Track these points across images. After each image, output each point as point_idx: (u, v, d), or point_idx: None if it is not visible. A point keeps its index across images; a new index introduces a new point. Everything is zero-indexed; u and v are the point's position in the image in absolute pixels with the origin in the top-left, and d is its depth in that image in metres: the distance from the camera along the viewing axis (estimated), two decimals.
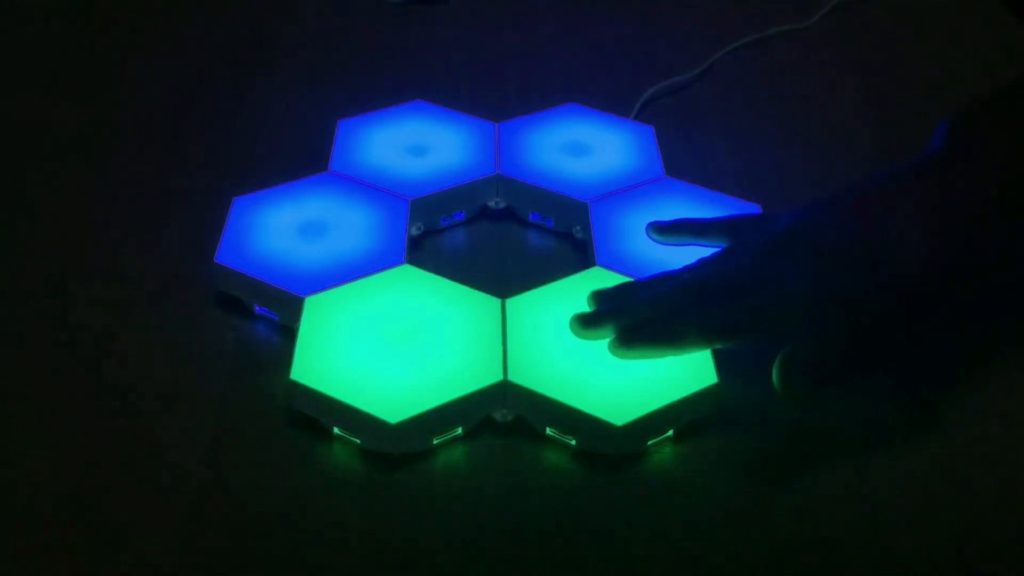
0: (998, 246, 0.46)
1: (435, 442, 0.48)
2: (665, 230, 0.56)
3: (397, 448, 0.47)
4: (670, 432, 0.48)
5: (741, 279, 0.49)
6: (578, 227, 0.59)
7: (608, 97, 0.69)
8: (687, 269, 0.51)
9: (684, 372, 0.48)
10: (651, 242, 0.56)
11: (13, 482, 0.46)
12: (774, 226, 0.51)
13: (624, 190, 0.59)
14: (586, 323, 0.50)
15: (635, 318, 0.49)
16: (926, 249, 0.46)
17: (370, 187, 0.59)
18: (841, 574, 0.43)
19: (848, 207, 0.49)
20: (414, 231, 0.58)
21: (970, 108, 0.48)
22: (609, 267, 0.54)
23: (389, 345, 0.49)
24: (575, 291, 0.52)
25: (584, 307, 0.51)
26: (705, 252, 0.53)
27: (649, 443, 0.48)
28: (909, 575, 0.43)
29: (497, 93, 0.72)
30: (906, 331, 0.47)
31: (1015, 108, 0.47)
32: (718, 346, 0.49)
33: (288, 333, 0.53)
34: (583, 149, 0.63)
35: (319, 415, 0.48)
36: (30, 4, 0.82)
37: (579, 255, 0.59)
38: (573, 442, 0.48)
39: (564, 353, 0.49)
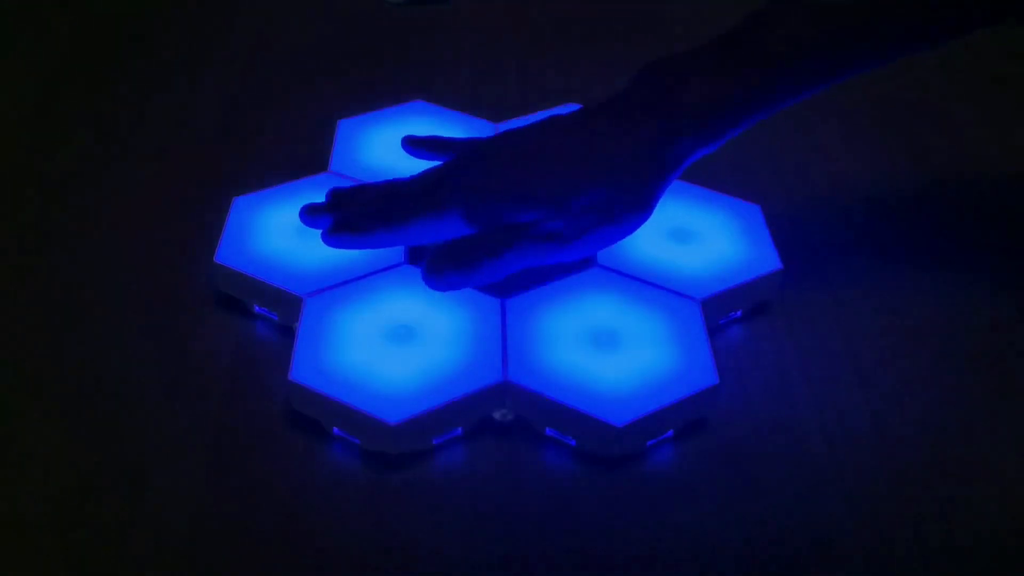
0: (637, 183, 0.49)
1: (435, 442, 0.48)
2: (418, 142, 0.56)
3: (397, 448, 0.47)
4: (670, 432, 0.48)
5: (435, 177, 0.50)
6: None
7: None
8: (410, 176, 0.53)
9: (684, 373, 0.48)
10: (654, 243, 0.55)
11: (13, 482, 0.46)
12: (492, 139, 0.52)
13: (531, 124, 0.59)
14: (307, 212, 0.51)
15: (344, 211, 0.50)
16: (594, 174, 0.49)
17: None
18: (841, 574, 0.43)
19: (541, 128, 0.51)
20: None
21: (654, 63, 0.51)
22: (609, 267, 0.54)
23: (389, 345, 0.49)
24: (575, 291, 0.52)
25: (584, 310, 0.51)
26: None
27: (649, 443, 0.48)
28: (909, 574, 0.43)
29: (497, 93, 0.72)
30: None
31: (682, 66, 0.50)
32: (401, 238, 0.49)
33: (288, 333, 0.53)
34: None
35: (319, 415, 0.48)
36: (30, 4, 0.82)
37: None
38: (573, 442, 0.48)
39: (564, 353, 0.49)
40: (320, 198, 0.58)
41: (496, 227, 0.48)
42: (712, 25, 0.83)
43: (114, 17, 0.81)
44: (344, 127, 0.64)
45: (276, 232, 0.56)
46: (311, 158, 0.62)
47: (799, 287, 0.57)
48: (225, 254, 0.54)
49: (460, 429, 0.48)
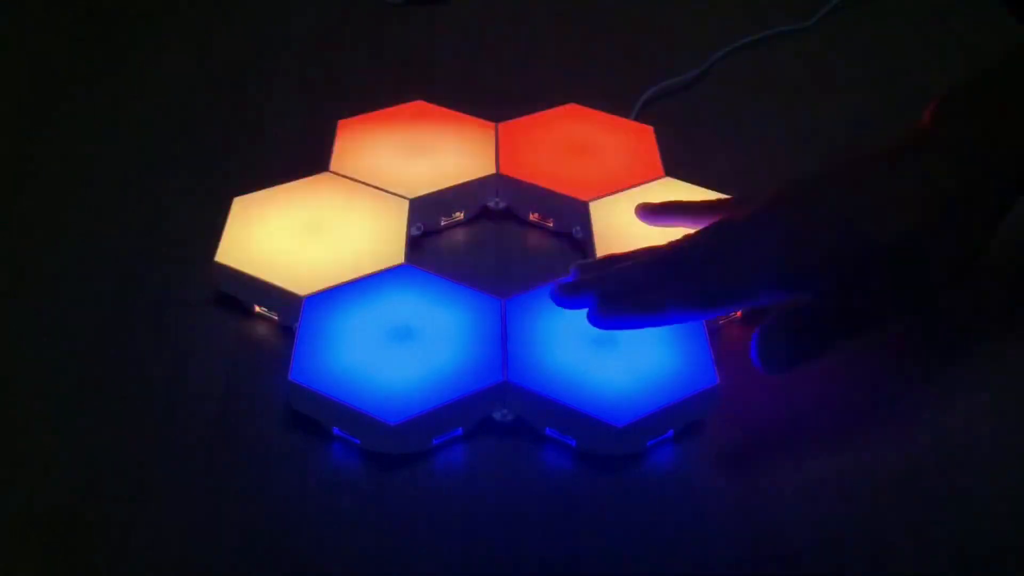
0: (953, 229, 0.47)
1: (435, 443, 0.48)
2: (654, 210, 0.56)
3: (397, 448, 0.47)
4: (670, 432, 0.48)
5: (722, 248, 0.49)
6: (578, 227, 0.59)
7: (608, 97, 0.69)
8: (671, 243, 0.51)
9: (684, 373, 0.48)
10: (654, 242, 0.55)
11: (13, 482, 0.46)
12: (758, 201, 0.51)
13: (624, 190, 0.59)
14: (567, 291, 0.49)
15: (614, 287, 0.49)
16: (897, 220, 0.47)
17: (370, 187, 0.59)
18: (842, 574, 0.43)
19: (828, 181, 0.49)
20: (414, 231, 0.58)
21: (950, 94, 0.49)
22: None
23: (389, 345, 0.49)
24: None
25: (582, 312, 0.51)
26: None
27: (649, 444, 0.48)
28: (910, 574, 0.43)
29: (497, 93, 0.72)
30: (874, 299, 0.47)
31: (985, 98, 0.48)
32: (698, 317, 0.49)
33: (288, 333, 0.53)
34: (584, 149, 0.63)
35: (319, 415, 0.48)
36: (31, 5, 0.82)
37: (579, 255, 0.59)
38: (573, 442, 0.48)
39: (564, 353, 0.49)
40: (318, 198, 0.58)
41: (826, 299, 0.47)
42: (712, 24, 0.83)
43: (114, 16, 0.81)
44: (344, 127, 0.64)
45: (276, 232, 0.56)
46: (311, 158, 0.62)
47: None
48: (225, 254, 0.54)
49: (460, 429, 0.48)
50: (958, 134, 0.48)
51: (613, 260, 0.52)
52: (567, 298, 0.49)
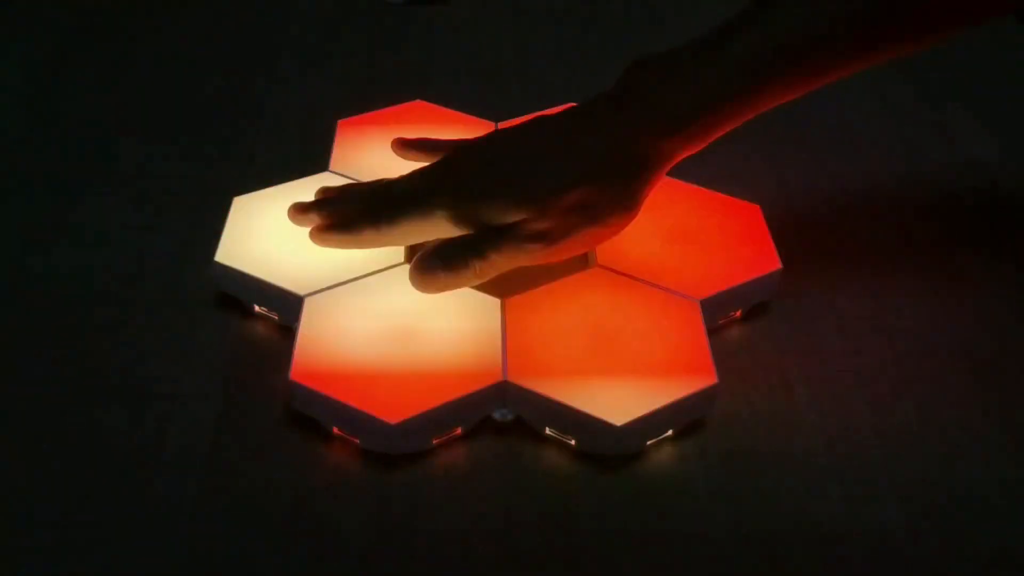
0: (620, 181, 0.50)
1: (434, 442, 0.48)
2: (402, 146, 0.58)
3: (397, 448, 0.47)
4: (669, 432, 0.48)
5: (420, 181, 0.52)
6: None
7: None
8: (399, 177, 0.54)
9: (683, 373, 0.48)
10: (652, 245, 0.55)
11: (13, 482, 0.46)
12: (480, 136, 0.54)
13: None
14: (296, 211, 0.53)
15: (332, 211, 0.52)
16: (557, 167, 0.49)
17: None
18: (842, 574, 0.43)
19: (514, 132, 0.53)
20: None
21: (638, 61, 0.52)
22: (609, 267, 0.54)
23: (389, 345, 0.49)
24: (575, 291, 0.52)
25: (583, 311, 0.51)
26: None
27: (648, 443, 0.48)
28: (910, 574, 0.43)
29: (497, 93, 0.72)
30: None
31: (666, 67, 0.50)
32: (389, 239, 0.51)
33: (288, 333, 0.53)
34: None
35: (318, 415, 0.48)
36: (30, 5, 0.82)
37: (578, 255, 0.58)
38: (572, 442, 0.48)
39: (564, 353, 0.49)
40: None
41: (483, 228, 0.48)
42: (710, 23, 0.83)
43: (113, 16, 0.81)
44: (344, 127, 0.64)
45: (276, 232, 0.56)
46: (311, 158, 0.62)
47: (799, 287, 0.57)
48: (225, 254, 0.54)
49: (460, 429, 0.48)
50: (628, 93, 0.50)
51: (350, 186, 0.55)
52: (297, 213, 0.53)
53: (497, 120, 0.65)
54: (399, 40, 0.79)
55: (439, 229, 0.50)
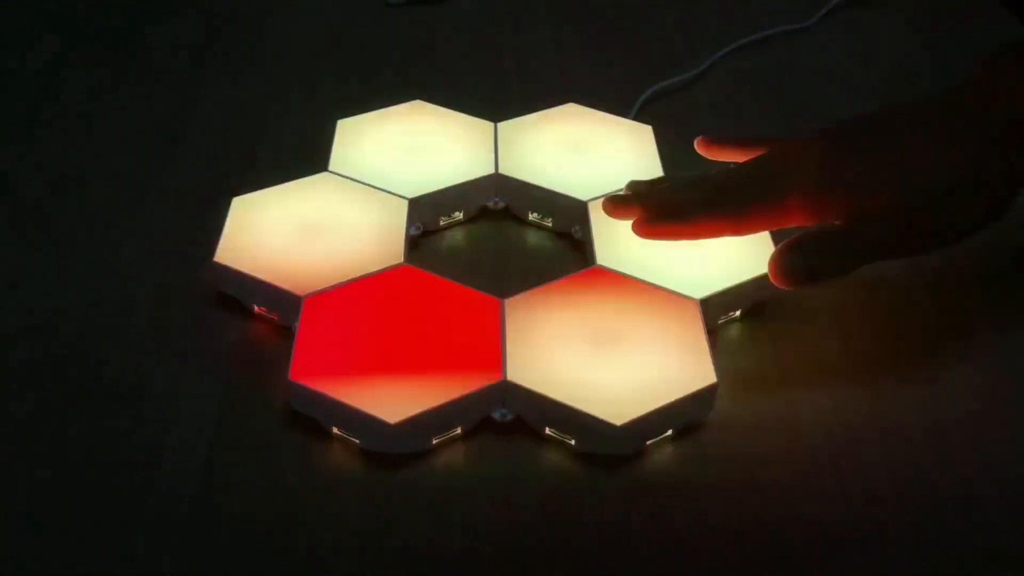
0: (996, 170, 0.48)
1: (434, 442, 0.48)
2: (711, 144, 0.57)
3: (396, 448, 0.47)
4: (669, 432, 0.48)
5: (761, 170, 0.50)
6: (577, 227, 0.59)
7: (608, 97, 0.69)
8: (723, 169, 0.53)
9: (683, 372, 0.48)
10: (650, 243, 0.55)
11: (13, 482, 0.46)
12: (827, 126, 0.52)
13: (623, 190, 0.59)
14: (615, 202, 0.52)
15: (656, 201, 0.51)
16: (947, 158, 0.48)
17: (369, 187, 0.59)
18: (842, 574, 0.43)
19: (873, 122, 0.51)
20: (413, 231, 0.58)
21: (999, 49, 0.51)
22: (609, 267, 0.54)
23: (388, 345, 0.49)
24: (574, 291, 0.52)
25: (584, 310, 0.51)
26: None
27: (648, 443, 0.48)
28: (910, 574, 0.43)
29: (497, 93, 0.72)
30: (910, 230, 0.49)
31: None
32: (729, 231, 0.50)
33: (287, 333, 0.53)
34: (583, 149, 0.63)
35: (318, 415, 0.48)
36: (31, 5, 0.82)
37: (578, 255, 0.59)
38: (572, 442, 0.48)
39: (563, 353, 0.49)
40: (317, 198, 0.58)
41: (849, 222, 0.48)
42: (712, 24, 0.83)
43: (113, 15, 0.81)
44: (343, 127, 0.64)
45: (275, 232, 0.56)
46: (310, 158, 0.62)
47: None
48: (224, 254, 0.54)
49: (459, 429, 0.48)
50: (1007, 83, 0.49)
51: (662, 179, 0.54)
52: (615, 207, 0.51)
53: (496, 120, 0.65)
54: (399, 40, 0.79)
55: (789, 218, 0.49)
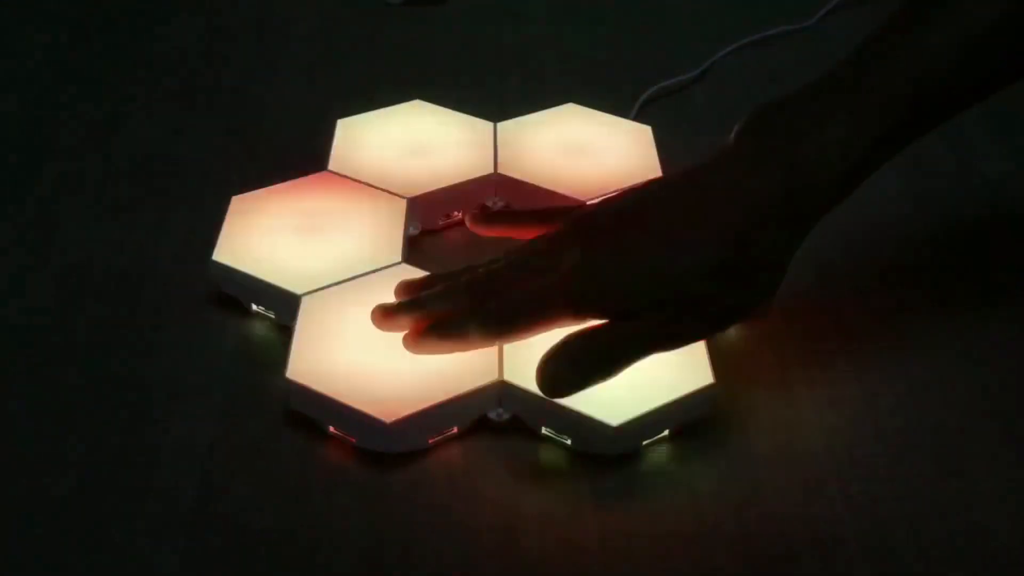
0: (768, 249, 0.46)
1: (430, 442, 0.48)
2: (481, 220, 0.54)
3: (392, 447, 0.47)
4: (666, 432, 0.48)
5: (531, 265, 0.48)
6: None
7: (608, 97, 0.69)
8: (490, 260, 0.50)
9: (680, 372, 0.48)
10: None
11: (13, 482, 0.46)
12: (583, 211, 0.50)
13: (622, 190, 0.59)
14: (382, 316, 0.48)
15: (427, 312, 0.48)
16: (696, 248, 0.45)
17: (368, 186, 0.59)
18: (842, 574, 0.43)
19: (628, 215, 0.48)
20: (411, 230, 0.58)
21: (752, 112, 0.48)
22: None
23: (385, 344, 0.49)
24: None
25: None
26: None
27: (645, 443, 0.48)
28: (909, 574, 0.43)
29: (497, 93, 0.72)
30: (677, 322, 0.46)
31: (788, 113, 0.47)
32: (503, 340, 0.47)
33: (285, 332, 0.52)
34: (582, 149, 0.63)
35: (315, 414, 0.48)
36: (30, 6, 0.82)
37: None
38: (568, 442, 0.48)
39: None
40: (316, 197, 0.58)
41: (613, 322, 0.46)
42: (712, 24, 0.83)
43: (114, 16, 0.81)
44: (343, 127, 0.64)
45: (274, 231, 0.56)
46: (310, 158, 0.62)
47: (799, 287, 0.56)
48: (223, 253, 0.54)
49: (456, 428, 0.48)
50: (760, 149, 0.46)
51: (430, 281, 0.51)
52: (384, 319, 0.48)
53: (496, 120, 0.65)
54: (399, 40, 0.79)
55: (556, 322, 0.46)
